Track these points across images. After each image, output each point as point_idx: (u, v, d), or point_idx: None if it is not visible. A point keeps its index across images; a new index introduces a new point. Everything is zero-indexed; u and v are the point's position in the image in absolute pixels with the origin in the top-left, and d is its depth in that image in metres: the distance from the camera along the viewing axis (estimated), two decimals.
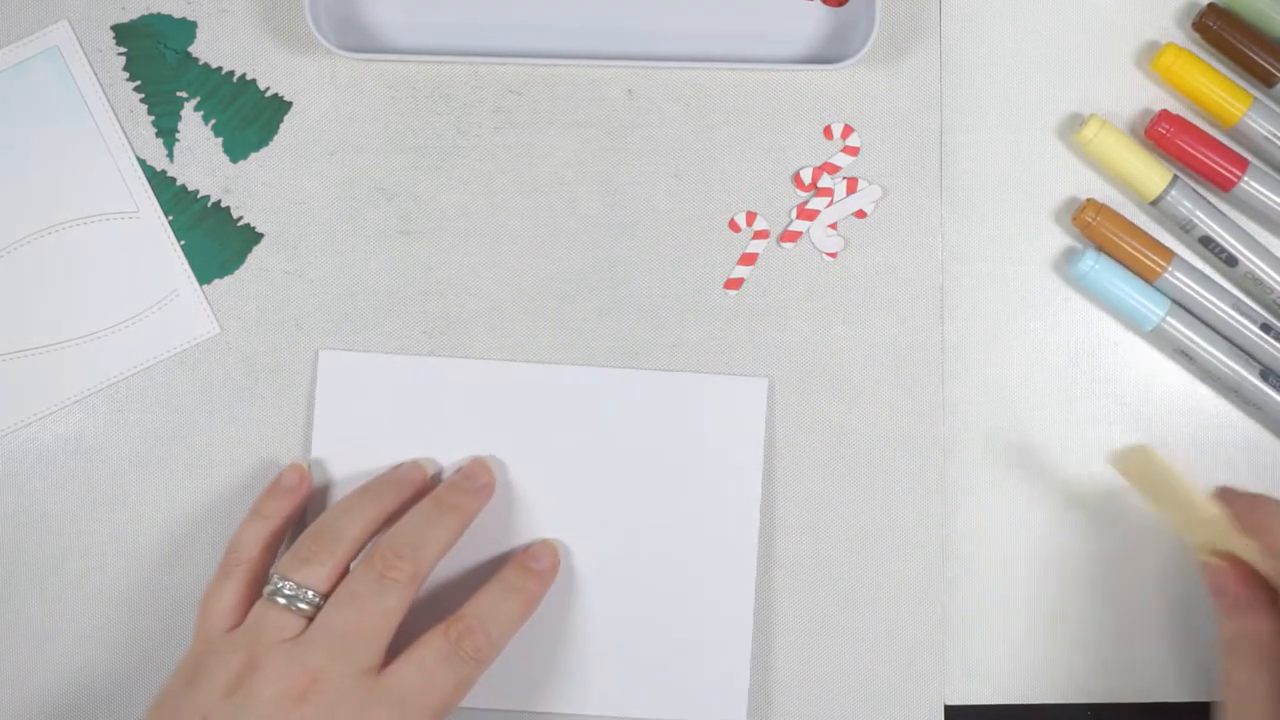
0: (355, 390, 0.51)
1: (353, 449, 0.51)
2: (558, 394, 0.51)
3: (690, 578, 0.50)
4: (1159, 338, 0.51)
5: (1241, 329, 0.51)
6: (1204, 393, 0.52)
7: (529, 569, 0.48)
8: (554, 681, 0.50)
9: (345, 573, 0.46)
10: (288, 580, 0.45)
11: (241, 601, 0.46)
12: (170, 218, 0.52)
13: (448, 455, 0.51)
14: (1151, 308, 0.50)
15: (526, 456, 0.51)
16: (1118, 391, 0.52)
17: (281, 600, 0.45)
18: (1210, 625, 0.52)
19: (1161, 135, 0.50)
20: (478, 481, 0.49)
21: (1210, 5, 0.51)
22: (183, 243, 0.52)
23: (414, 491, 0.49)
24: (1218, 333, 0.51)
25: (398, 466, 0.50)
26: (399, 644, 0.45)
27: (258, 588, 0.47)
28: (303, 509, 0.50)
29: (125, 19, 0.52)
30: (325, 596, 0.45)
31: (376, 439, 0.51)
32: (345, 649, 0.44)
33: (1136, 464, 0.48)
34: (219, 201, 0.52)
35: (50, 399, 0.51)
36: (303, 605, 0.45)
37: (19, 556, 0.51)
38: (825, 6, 0.52)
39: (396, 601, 0.45)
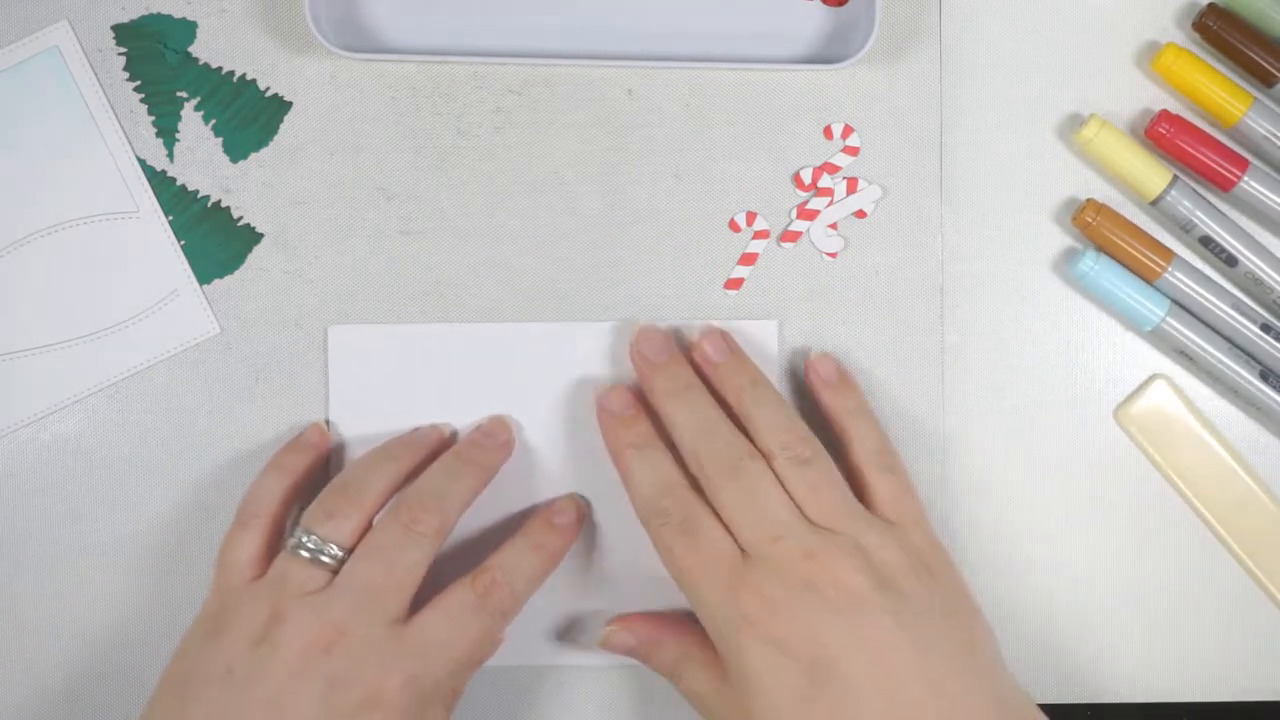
0: (367, 361, 0.51)
1: (370, 419, 0.51)
2: (568, 350, 0.51)
3: None
4: (1159, 338, 0.51)
5: (1241, 329, 0.51)
6: (1204, 393, 0.52)
7: (552, 524, 0.49)
8: (576, 635, 0.51)
9: (368, 527, 0.46)
10: (312, 534, 0.45)
11: (262, 554, 0.47)
12: (170, 218, 0.52)
13: (463, 419, 0.51)
14: (1151, 308, 0.50)
15: (541, 415, 0.51)
16: (1117, 391, 0.52)
17: (305, 554, 0.45)
18: (1213, 625, 0.52)
19: (1161, 135, 0.50)
20: (498, 439, 0.50)
21: (1210, 5, 0.51)
22: (183, 243, 0.52)
23: (432, 451, 0.50)
24: (1218, 333, 0.51)
25: (416, 429, 0.50)
26: (422, 598, 0.46)
27: (276, 541, 0.47)
28: (321, 467, 0.50)
29: (125, 19, 0.52)
30: (349, 551, 0.45)
31: (392, 408, 0.51)
32: (370, 601, 0.44)
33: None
34: (219, 201, 0.52)
35: (50, 399, 0.51)
36: (326, 559, 0.45)
37: (19, 556, 0.51)
38: (825, 6, 0.52)
39: (421, 554, 0.45)
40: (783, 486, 0.45)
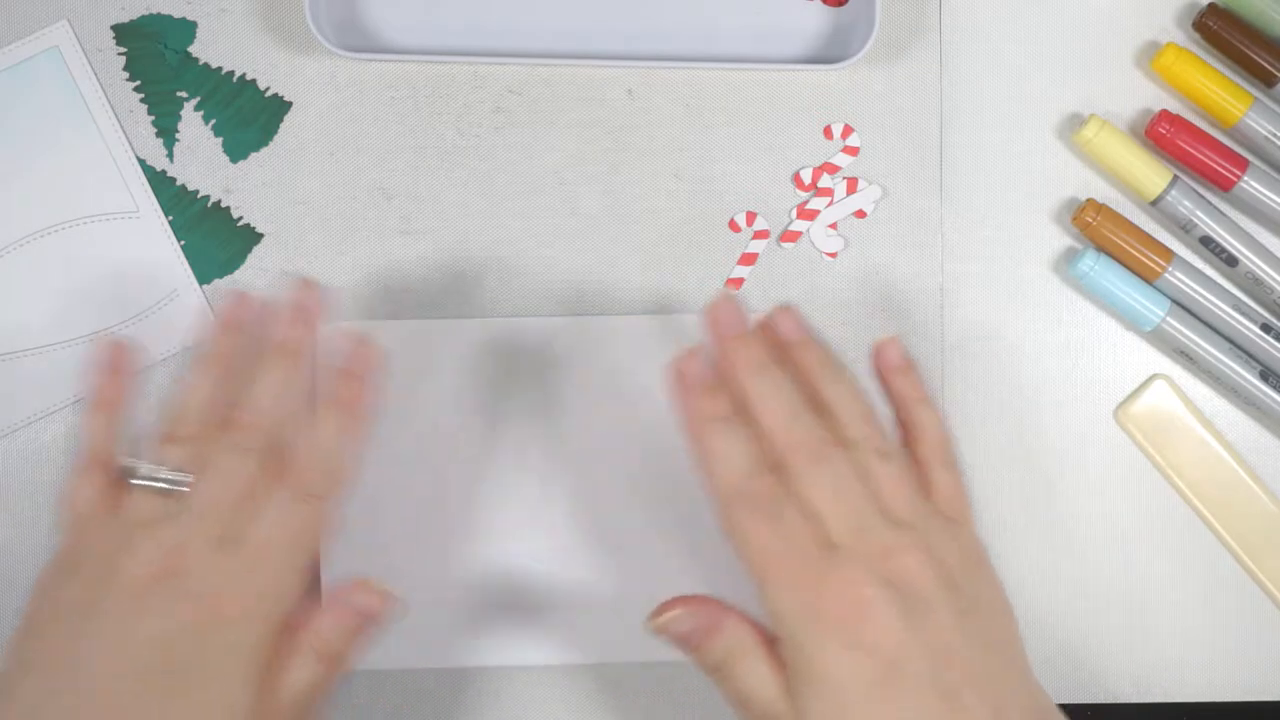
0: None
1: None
2: (548, 344, 0.51)
3: (686, 521, 0.50)
4: (1159, 338, 0.51)
5: (1241, 329, 0.51)
6: (1204, 393, 0.52)
7: (348, 374, 0.47)
8: (544, 633, 0.50)
9: (206, 446, 0.45)
10: (149, 464, 0.44)
11: (105, 489, 0.45)
12: (170, 218, 0.52)
13: (451, 416, 0.51)
14: (1151, 308, 0.50)
15: (520, 408, 0.51)
16: (1117, 391, 0.52)
17: (145, 484, 0.44)
18: (1213, 625, 0.52)
19: (1161, 135, 0.50)
20: (306, 310, 0.48)
21: (1210, 5, 0.51)
22: (183, 243, 0.52)
23: (244, 335, 0.48)
24: (1218, 333, 0.51)
25: (224, 307, 0.49)
26: None
27: (116, 474, 0.46)
28: (133, 381, 0.49)
29: (125, 19, 0.52)
30: (179, 473, 0.44)
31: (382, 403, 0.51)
32: (206, 522, 0.43)
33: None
34: (219, 201, 0.52)
35: (50, 399, 0.51)
36: (167, 486, 0.44)
37: (19, 556, 0.51)
38: (825, 6, 0.52)
39: (252, 464, 0.44)
40: (861, 478, 0.43)
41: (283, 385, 0.46)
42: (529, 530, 0.51)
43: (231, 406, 0.46)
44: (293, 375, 0.47)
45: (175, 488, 0.44)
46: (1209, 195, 0.51)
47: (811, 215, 0.52)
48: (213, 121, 0.52)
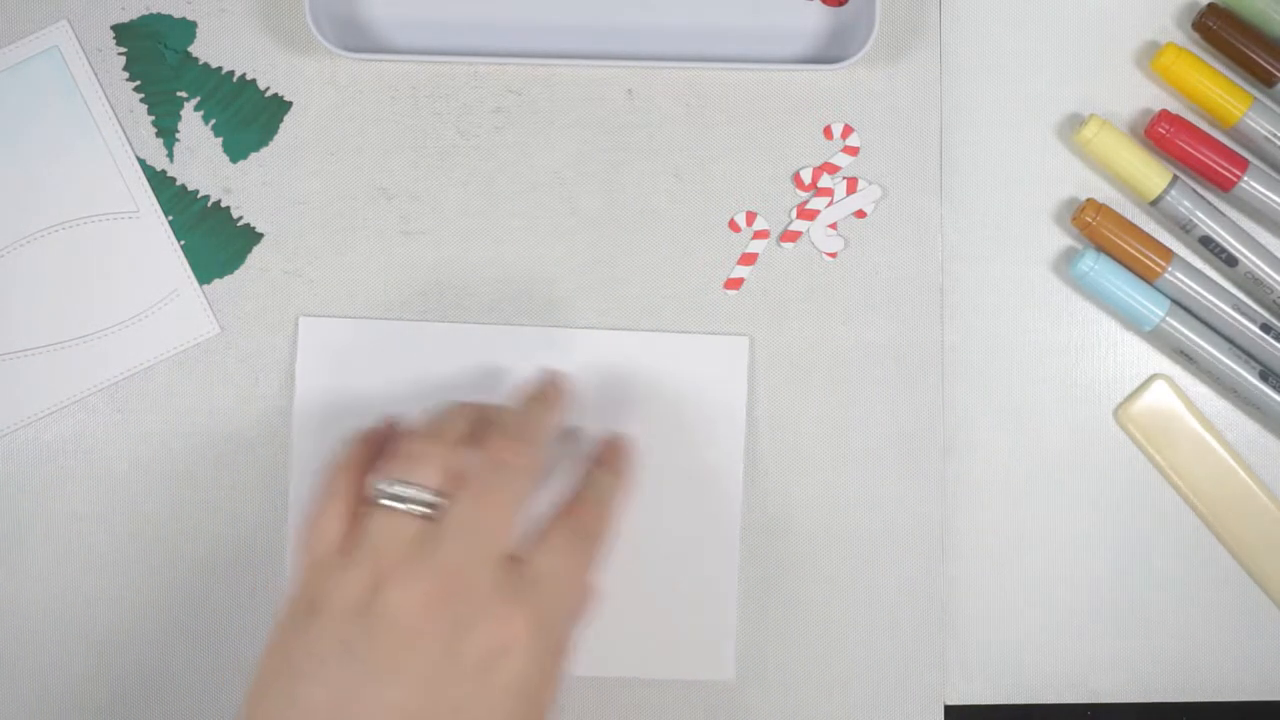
0: (335, 355, 0.51)
1: (334, 414, 0.51)
2: (548, 353, 0.51)
3: (676, 537, 0.51)
4: (1159, 338, 0.51)
5: (1241, 329, 0.51)
6: (1204, 393, 0.52)
7: (618, 448, 0.49)
8: None
9: (454, 472, 0.42)
10: (396, 482, 0.41)
11: (348, 521, 0.41)
12: (170, 218, 0.52)
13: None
14: (1151, 308, 0.50)
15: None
16: (1117, 391, 0.52)
17: (393, 504, 0.40)
18: (1212, 625, 0.52)
19: (1161, 135, 0.50)
20: (564, 383, 0.49)
21: (1210, 5, 0.51)
22: (183, 243, 0.52)
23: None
24: (1218, 333, 0.51)
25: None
26: None
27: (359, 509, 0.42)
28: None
29: (125, 19, 0.52)
30: (439, 495, 0.41)
31: (357, 404, 0.51)
32: (479, 540, 0.40)
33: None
34: (219, 201, 0.52)
35: (50, 399, 0.51)
36: (418, 507, 0.40)
37: (19, 556, 0.51)
38: (825, 6, 0.52)
39: (520, 486, 0.41)
40: None
41: (553, 429, 0.46)
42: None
43: (492, 432, 0.43)
44: (559, 425, 0.47)
45: (427, 506, 0.40)
46: (1209, 195, 0.51)
47: (811, 215, 0.52)
48: (213, 121, 0.52)
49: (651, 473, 0.51)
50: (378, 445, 0.45)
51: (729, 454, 0.51)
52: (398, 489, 0.41)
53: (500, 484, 0.41)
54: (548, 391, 0.48)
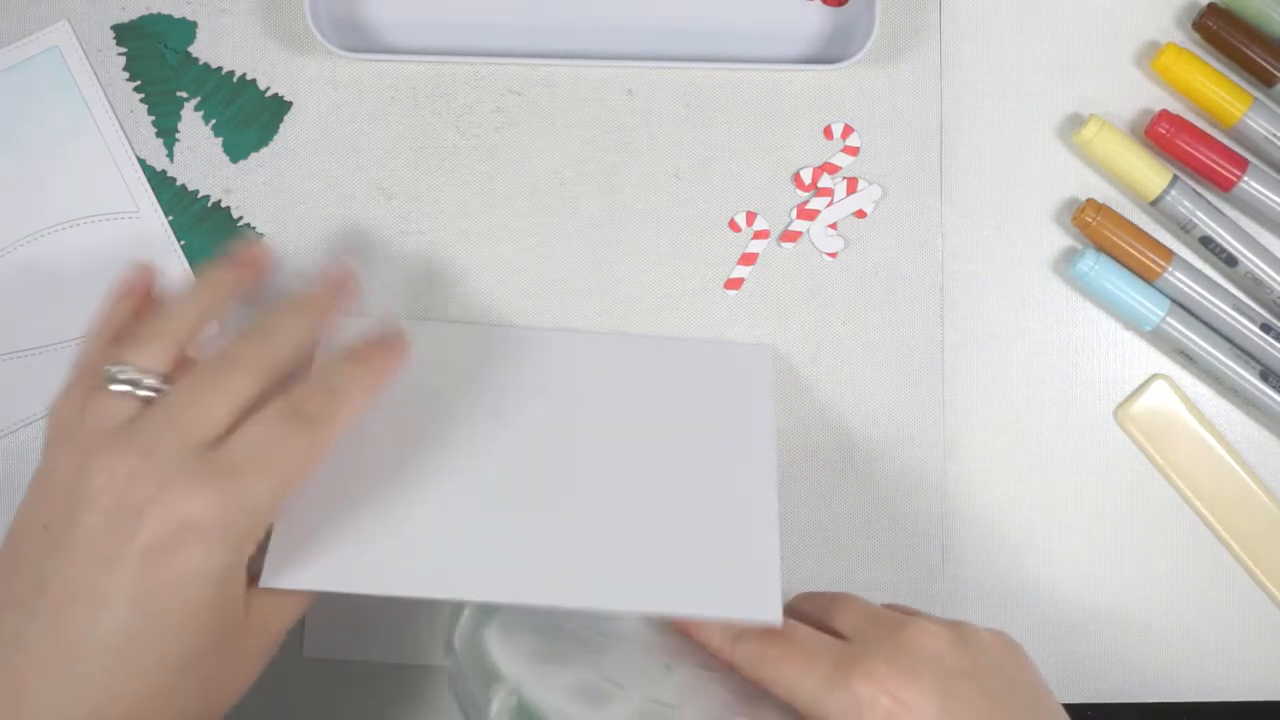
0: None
1: None
2: (548, 353, 0.50)
3: (680, 523, 0.47)
4: (1159, 338, 0.51)
5: (1241, 329, 0.51)
6: (1204, 393, 0.52)
7: (382, 339, 0.45)
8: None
9: (185, 360, 0.42)
10: (120, 364, 0.41)
11: (88, 396, 0.41)
12: (170, 218, 0.52)
13: (439, 416, 0.49)
14: (1151, 308, 0.50)
15: (517, 412, 0.49)
16: (1117, 391, 0.52)
17: (115, 386, 0.40)
18: (1212, 625, 0.52)
19: (1161, 135, 0.51)
20: (334, 279, 0.46)
21: (1210, 5, 0.51)
22: (183, 243, 0.52)
23: (258, 276, 0.46)
24: (1218, 333, 0.51)
25: (247, 250, 0.47)
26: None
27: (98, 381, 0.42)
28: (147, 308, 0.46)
29: (125, 19, 0.52)
30: (165, 380, 0.41)
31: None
32: (177, 422, 0.39)
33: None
34: (219, 201, 0.52)
35: (50, 399, 0.51)
36: (139, 391, 0.40)
37: None
38: (825, 6, 0.52)
39: (243, 381, 0.41)
40: None
41: (304, 334, 0.43)
42: (526, 535, 0.50)
43: (238, 331, 0.42)
44: (314, 333, 0.44)
45: (150, 390, 0.40)
46: (1209, 195, 0.51)
47: (811, 215, 0.52)
48: (213, 121, 0.52)
49: (673, 475, 0.48)
50: (139, 301, 0.45)
51: (760, 473, 0.48)
52: (122, 371, 0.41)
53: (218, 370, 0.41)
54: (307, 298, 0.45)
